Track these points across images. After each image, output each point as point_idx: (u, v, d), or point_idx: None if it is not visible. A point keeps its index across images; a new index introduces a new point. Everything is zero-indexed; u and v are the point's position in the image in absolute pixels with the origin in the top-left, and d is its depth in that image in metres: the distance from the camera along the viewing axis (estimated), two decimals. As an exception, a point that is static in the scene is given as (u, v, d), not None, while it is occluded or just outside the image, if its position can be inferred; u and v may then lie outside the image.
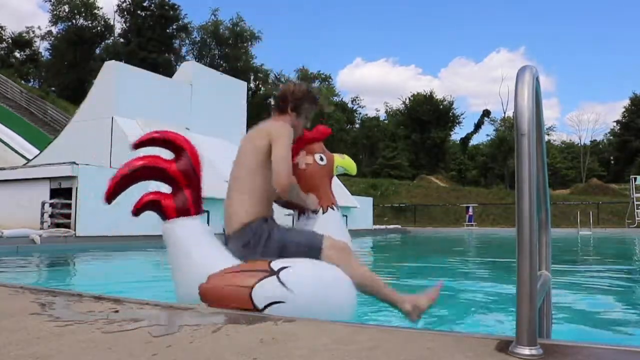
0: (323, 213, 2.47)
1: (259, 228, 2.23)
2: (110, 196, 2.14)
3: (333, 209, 2.52)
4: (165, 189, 2.23)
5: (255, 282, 2.04)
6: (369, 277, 2.25)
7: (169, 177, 2.19)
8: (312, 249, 2.20)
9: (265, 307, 1.99)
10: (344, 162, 2.67)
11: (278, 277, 2.05)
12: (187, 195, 2.20)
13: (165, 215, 2.20)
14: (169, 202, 2.18)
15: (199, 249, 2.18)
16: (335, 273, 2.18)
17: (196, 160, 2.23)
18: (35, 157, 14.95)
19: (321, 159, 2.54)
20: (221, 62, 47.13)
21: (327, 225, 2.42)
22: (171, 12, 48.10)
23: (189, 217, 2.21)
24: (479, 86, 75.47)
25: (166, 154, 2.25)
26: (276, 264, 2.11)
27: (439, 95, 50.59)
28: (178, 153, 2.22)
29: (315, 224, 2.42)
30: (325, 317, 1.76)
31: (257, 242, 2.22)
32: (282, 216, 2.63)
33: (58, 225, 9.00)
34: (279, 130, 2.24)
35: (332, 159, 2.61)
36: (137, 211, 2.19)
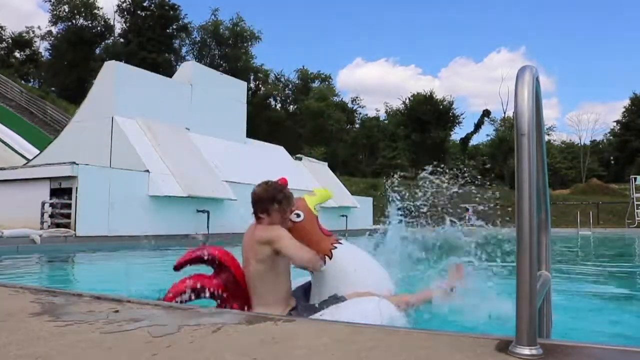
0: (330, 259, 2.48)
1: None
2: (178, 268, 2.42)
3: (335, 247, 2.51)
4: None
5: None
6: (403, 302, 2.46)
7: (212, 293, 2.38)
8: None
9: None
10: (317, 197, 2.64)
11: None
12: (235, 306, 2.38)
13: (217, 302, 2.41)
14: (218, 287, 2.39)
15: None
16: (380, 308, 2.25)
17: (239, 273, 2.43)
18: (35, 157, 14.94)
19: (297, 215, 2.52)
20: (221, 62, 47.07)
21: (341, 264, 2.46)
22: (171, 12, 48.04)
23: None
24: (480, 86, 75.36)
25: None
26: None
27: (439, 95, 50.58)
28: (220, 268, 2.42)
29: (329, 273, 2.46)
30: None
31: None
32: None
33: (58, 225, 9.00)
34: (272, 233, 2.38)
35: (306, 206, 2.57)
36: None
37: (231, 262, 2.44)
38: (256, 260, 2.38)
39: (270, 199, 2.47)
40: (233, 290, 2.40)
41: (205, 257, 2.42)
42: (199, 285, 2.35)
